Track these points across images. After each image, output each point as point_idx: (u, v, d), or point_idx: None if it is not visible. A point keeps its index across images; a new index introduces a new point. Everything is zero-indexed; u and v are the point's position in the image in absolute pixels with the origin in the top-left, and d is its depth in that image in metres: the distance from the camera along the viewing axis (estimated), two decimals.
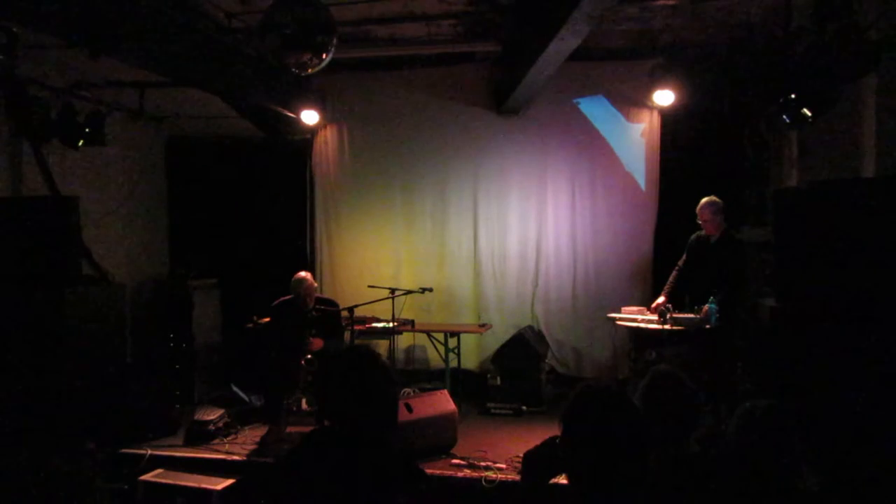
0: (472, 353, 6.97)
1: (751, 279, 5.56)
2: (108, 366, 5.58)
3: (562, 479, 1.87)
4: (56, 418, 4.94)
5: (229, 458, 5.09)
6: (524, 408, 6.25)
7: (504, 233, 7.16)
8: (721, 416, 4.82)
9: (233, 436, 5.56)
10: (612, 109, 6.90)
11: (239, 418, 5.83)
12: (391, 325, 6.17)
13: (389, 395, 2.30)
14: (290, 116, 6.96)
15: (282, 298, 5.98)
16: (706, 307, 5.16)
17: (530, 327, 6.90)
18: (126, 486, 4.74)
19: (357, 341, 6.31)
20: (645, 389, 2.59)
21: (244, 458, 5.10)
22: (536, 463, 1.96)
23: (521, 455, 2.00)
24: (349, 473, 2.13)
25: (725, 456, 2.45)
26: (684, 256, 5.78)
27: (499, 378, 6.44)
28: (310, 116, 7.04)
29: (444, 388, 5.83)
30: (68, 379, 5.10)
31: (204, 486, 4.66)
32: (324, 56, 3.80)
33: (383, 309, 6.22)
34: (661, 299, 5.57)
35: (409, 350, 7.30)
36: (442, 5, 5.68)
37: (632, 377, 5.43)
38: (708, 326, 5.13)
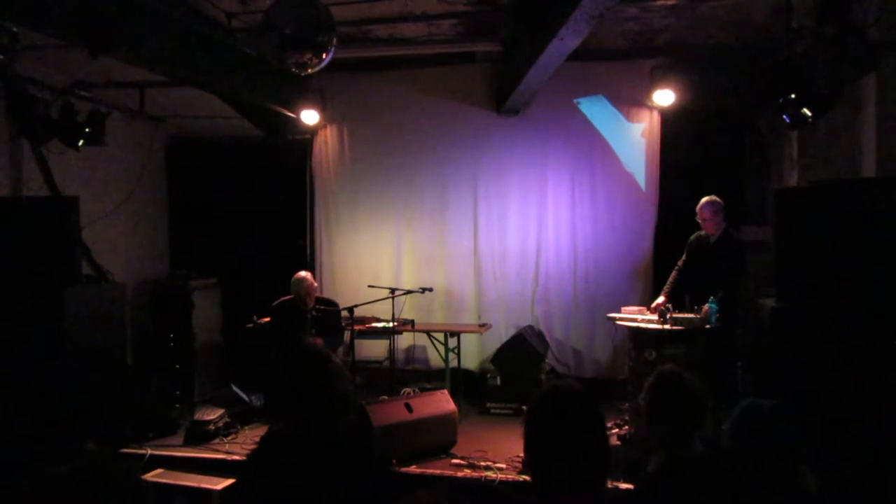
0: (472, 353, 6.97)
1: (751, 279, 5.56)
2: (108, 366, 5.57)
3: None
4: (56, 418, 4.93)
5: (229, 458, 5.08)
6: (524, 408, 6.21)
7: (504, 233, 7.16)
8: (721, 417, 4.81)
9: (233, 436, 5.56)
10: (612, 109, 6.90)
11: (239, 418, 5.83)
12: (391, 325, 6.17)
13: (341, 393, 2.30)
14: (290, 116, 6.96)
15: (282, 298, 5.99)
16: (706, 307, 5.15)
17: (530, 327, 6.90)
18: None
19: (357, 341, 6.32)
20: (650, 389, 2.59)
21: (244, 458, 5.09)
22: None
23: (521, 455, 2.03)
24: (311, 477, 2.13)
25: (724, 456, 2.45)
26: (684, 256, 5.78)
27: (499, 378, 6.43)
28: (310, 116, 7.04)
29: (444, 388, 5.83)
30: (68, 379, 5.09)
31: (204, 486, 4.66)
32: (324, 56, 3.80)
33: (383, 309, 6.22)
34: (661, 299, 5.57)
35: (409, 350, 7.30)
36: (442, 5, 5.68)
37: (632, 377, 5.42)
38: (708, 326, 5.13)
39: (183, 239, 7.98)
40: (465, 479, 4.68)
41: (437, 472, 4.77)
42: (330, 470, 2.16)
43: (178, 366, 6.93)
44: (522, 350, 6.45)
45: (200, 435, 5.43)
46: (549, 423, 1.85)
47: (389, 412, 5.03)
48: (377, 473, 2.30)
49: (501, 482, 4.60)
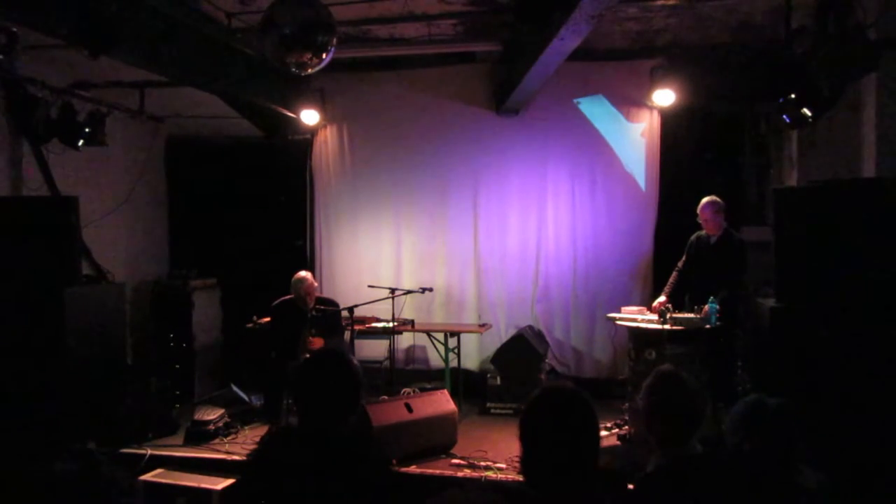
0: (472, 353, 6.97)
1: (751, 279, 5.55)
2: (108, 366, 5.57)
3: None
4: (56, 418, 4.94)
5: (229, 458, 5.08)
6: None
7: (504, 232, 7.15)
8: (721, 417, 4.81)
9: (233, 436, 5.55)
10: (612, 109, 6.90)
11: (239, 418, 5.83)
12: (391, 324, 6.17)
13: (354, 395, 2.33)
14: (290, 116, 6.96)
15: (282, 298, 5.99)
16: (706, 307, 5.15)
17: (530, 327, 6.90)
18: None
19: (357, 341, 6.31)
20: (648, 389, 2.59)
21: (244, 458, 5.10)
22: None
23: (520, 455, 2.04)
24: (312, 477, 2.13)
25: (724, 455, 2.45)
26: (684, 257, 5.78)
27: (499, 378, 6.43)
28: (310, 116, 7.04)
29: (444, 388, 5.83)
30: (68, 379, 5.09)
31: (204, 486, 4.66)
32: (324, 56, 3.80)
33: (383, 309, 6.22)
34: (661, 299, 5.57)
35: (409, 350, 7.30)
36: (442, 5, 5.68)
37: (632, 377, 5.42)
38: (708, 326, 5.13)
39: (183, 239, 7.97)
40: (465, 479, 4.67)
41: (437, 472, 4.76)
42: (330, 470, 2.16)
43: (178, 366, 6.93)
44: (522, 350, 6.44)
45: (200, 435, 5.43)
46: (544, 422, 1.86)
47: (389, 412, 5.03)
48: (377, 474, 2.29)
49: (502, 482, 4.59)
